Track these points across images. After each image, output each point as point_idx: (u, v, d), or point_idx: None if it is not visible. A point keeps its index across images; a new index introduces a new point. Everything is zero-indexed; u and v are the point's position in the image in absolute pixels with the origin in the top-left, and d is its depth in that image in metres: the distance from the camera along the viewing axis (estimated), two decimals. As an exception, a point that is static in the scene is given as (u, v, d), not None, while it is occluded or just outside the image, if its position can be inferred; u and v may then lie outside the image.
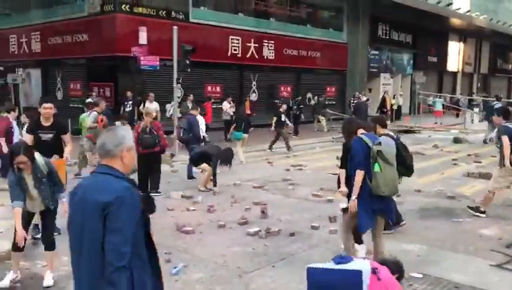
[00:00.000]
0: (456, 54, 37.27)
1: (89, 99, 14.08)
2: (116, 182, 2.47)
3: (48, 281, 4.95)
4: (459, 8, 33.19)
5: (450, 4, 32.28)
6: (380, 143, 4.84)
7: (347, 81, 26.63)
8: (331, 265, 3.56)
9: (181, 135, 10.76)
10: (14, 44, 21.17)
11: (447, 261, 5.59)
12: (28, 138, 6.40)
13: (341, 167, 5.60)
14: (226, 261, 5.59)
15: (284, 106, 15.06)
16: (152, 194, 8.64)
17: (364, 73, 27.45)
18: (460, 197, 8.80)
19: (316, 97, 22.64)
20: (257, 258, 5.70)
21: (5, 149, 8.62)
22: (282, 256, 5.74)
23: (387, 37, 29.66)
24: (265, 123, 16.57)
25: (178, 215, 7.50)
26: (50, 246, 5.07)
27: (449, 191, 9.17)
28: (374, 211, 4.90)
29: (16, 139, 8.95)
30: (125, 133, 2.63)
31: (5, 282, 4.92)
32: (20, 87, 16.56)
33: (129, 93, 16.09)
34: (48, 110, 6.52)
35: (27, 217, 5.07)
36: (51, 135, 6.48)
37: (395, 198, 5.51)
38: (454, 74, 38.03)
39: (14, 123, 9.56)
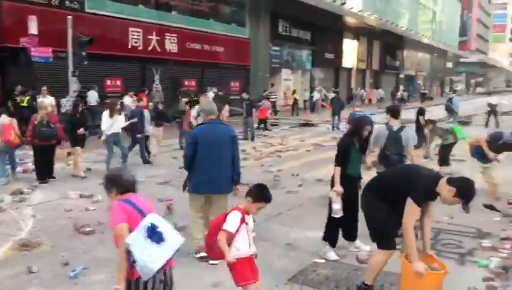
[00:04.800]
0: (350, 51, 39.49)
1: None
2: None
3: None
4: (352, 8, 35.17)
5: (344, 3, 34.06)
6: None
7: (250, 76, 26.99)
8: None
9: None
10: None
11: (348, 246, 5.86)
12: None
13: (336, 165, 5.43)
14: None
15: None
16: (50, 179, 9.38)
17: (266, 69, 28.02)
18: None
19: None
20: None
21: None
22: (189, 251, 5.64)
23: (288, 34, 30.45)
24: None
25: (77, 216, 7.08)
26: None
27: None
28: None
29: None
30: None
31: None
32: None
33: (19, 87, 14.86)
34: None
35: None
36: None
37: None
38: (349, 70, 40.32)
39: None
